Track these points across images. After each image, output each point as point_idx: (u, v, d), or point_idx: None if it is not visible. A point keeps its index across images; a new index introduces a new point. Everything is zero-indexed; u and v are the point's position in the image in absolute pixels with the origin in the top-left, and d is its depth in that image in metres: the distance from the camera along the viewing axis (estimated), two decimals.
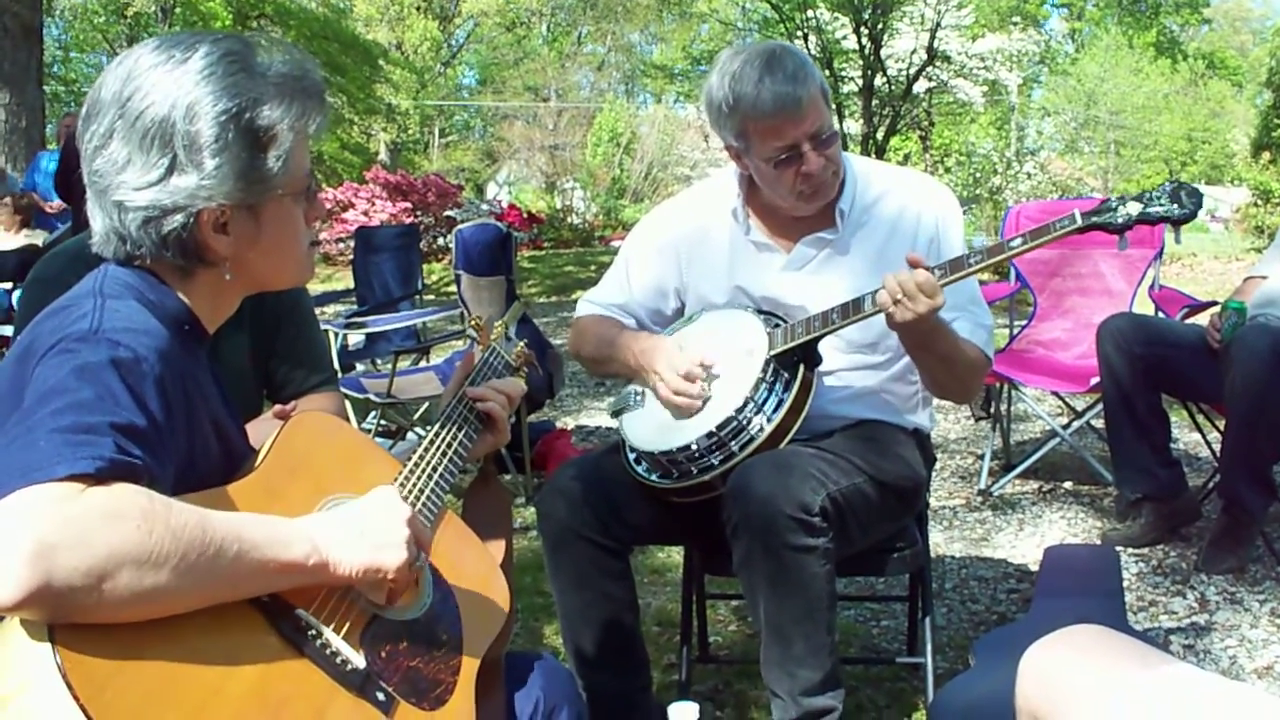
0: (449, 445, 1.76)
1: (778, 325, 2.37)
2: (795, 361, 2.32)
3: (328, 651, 1.30)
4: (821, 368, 2.37)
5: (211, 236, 1.40)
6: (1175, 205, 2.13)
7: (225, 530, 1.19)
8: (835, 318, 2.29)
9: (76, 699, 1.04)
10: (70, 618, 1.08)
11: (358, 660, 1.32)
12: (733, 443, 2.26)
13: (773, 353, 2.31)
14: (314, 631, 1.30)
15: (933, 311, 2.15)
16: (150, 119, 1.34)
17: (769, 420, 2.26)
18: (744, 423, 2.26)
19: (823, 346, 2.35)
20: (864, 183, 2.49)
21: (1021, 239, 2.19)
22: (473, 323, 2.15)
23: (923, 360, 2.36)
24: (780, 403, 2.27)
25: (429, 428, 1.79)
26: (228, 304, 1.52)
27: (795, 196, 2.39)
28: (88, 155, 1.39)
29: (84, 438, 1.13)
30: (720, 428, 2.26)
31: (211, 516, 1.19)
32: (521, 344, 2.17)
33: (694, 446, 2.27)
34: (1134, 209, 2.14)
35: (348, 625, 1.35)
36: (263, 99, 1.39)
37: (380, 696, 1.32)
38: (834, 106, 2.40)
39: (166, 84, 1.35)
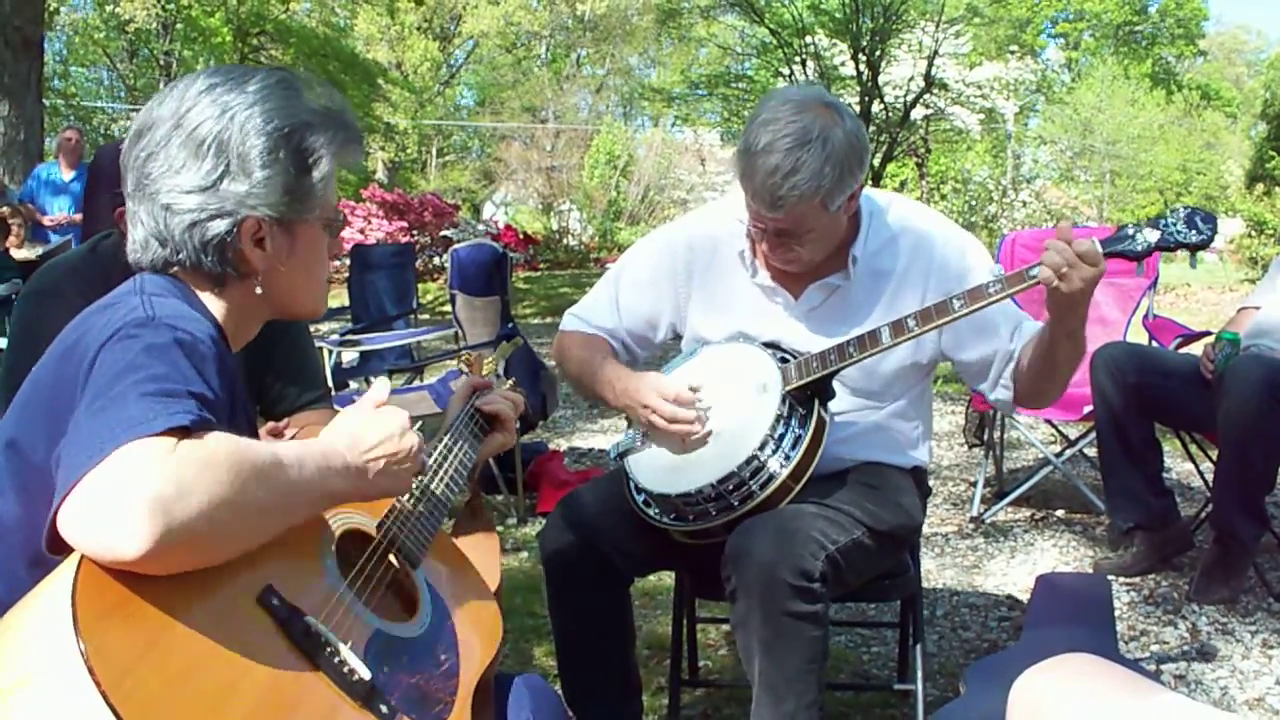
0: (452, 463, 1.83)
1: (785, 360, 2.30)
2: (810, 397, 2.25)
3: (336, 660, 1.31)
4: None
5: (249, 248, 1.48)
6: (1193, 231, 2.09)
7: (287, 454, 1.30)
8: (853, 350, 2.21)
9: (98, 684, 1.04)
10: (189, 563, 1.17)
11: (364, 672, 1.33)
12: (752, 482, 2.19)
13: (789, 388, 2.24)
14: (324, 640, 1.31)
15: (1096, 279, 2.03)
16: (207, 130, 1.44)
17: (787, 458, 2.19)
18: (764, 461, 2.19)
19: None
20: (879, 222, 2.41)
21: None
22: (465, 358, 2.18)
23: (1060, 344, 2.19)
24: (798, 439, 2.20)
25: (432, 442, 1.82)
26: (251, 324, 1.58)
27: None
28: (138, 164, 1.46)
29: (171, 400, 1.20)
30: (742, 467, 2.18)
31: (276, 446, 1.30)
32: (510, 382, 2.19)
33: (713, 487, 2.20)
34: (1152, 236, 2.10)
35: (352, 639, 1.36)
36: (311, 125, 1.49)
37: (384, 710, 1.33)
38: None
39: (224, 101, 1.45)
